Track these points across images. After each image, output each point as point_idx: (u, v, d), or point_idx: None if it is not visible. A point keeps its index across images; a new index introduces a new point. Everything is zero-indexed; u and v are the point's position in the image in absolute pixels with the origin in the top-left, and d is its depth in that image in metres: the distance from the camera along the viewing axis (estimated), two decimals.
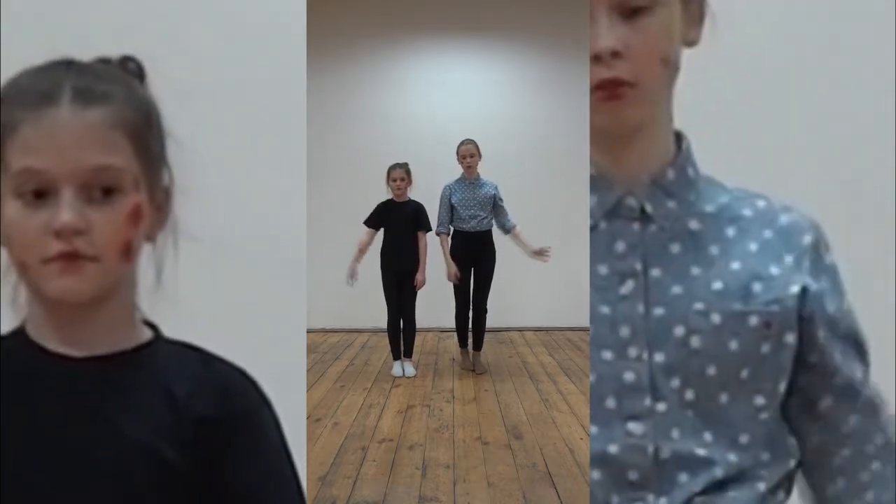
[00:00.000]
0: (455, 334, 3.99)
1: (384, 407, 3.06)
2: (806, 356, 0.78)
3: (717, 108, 1.13)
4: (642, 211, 0.77)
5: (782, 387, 0.78)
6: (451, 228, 3.74)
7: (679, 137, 0.81)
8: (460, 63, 5.41)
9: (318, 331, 5.24)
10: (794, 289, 0.76)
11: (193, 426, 0.69)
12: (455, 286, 3.76)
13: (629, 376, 0.74)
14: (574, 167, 5.13)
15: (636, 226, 0.77)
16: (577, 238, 5.08)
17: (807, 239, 0.79)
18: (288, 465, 0.72)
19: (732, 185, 0.82)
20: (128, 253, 0.68)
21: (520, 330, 5.32)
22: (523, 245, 3.80)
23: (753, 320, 0.75)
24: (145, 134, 0.69)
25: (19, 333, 0.70)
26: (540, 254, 3.77)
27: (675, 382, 0.74)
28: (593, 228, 0.78)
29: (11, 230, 0.64)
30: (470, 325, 3.85)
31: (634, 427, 0.74)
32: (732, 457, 0.75)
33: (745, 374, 0.75)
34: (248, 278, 1.10)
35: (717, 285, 0.75)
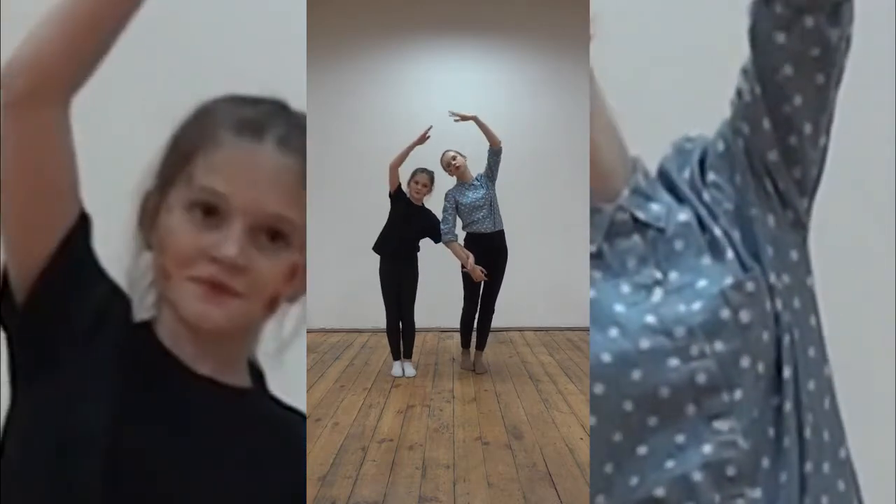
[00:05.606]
0: (456, 334, 3.97)
1: (384, 407, 3.06)
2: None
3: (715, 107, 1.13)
4: (634, 220, 0.77)
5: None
6: (457, 234, 3.67)
7: None
8: (460, 63, 5.41)
9: (318, 331, 5.24)
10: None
11: (267, 487, 0.70)
12: (467, 287, 3.72)
13: (701, 378, 0.74)
14: (574, 167, 5.12)
15: (636, 237, 0.77)
16: (577, 238, 5.08)
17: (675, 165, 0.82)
18: None
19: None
20: (273, 305, 0.68)
21: (520, 330, 5.32)
22: (485, 130, 3.58)
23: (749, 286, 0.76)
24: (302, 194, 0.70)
25: (146, 328, 0.70)
26: (463, 118, 3.59)
27: (746, 362, 0.74)
28: (597, 256, 0.77)
29: (169, 237, 0.64)
30: (475, 325, 3.83)
31: (720, 424, 0.74)
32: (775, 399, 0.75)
33: (766, 337, 0.76)
34: None
35: (731, 254, 0.76)
